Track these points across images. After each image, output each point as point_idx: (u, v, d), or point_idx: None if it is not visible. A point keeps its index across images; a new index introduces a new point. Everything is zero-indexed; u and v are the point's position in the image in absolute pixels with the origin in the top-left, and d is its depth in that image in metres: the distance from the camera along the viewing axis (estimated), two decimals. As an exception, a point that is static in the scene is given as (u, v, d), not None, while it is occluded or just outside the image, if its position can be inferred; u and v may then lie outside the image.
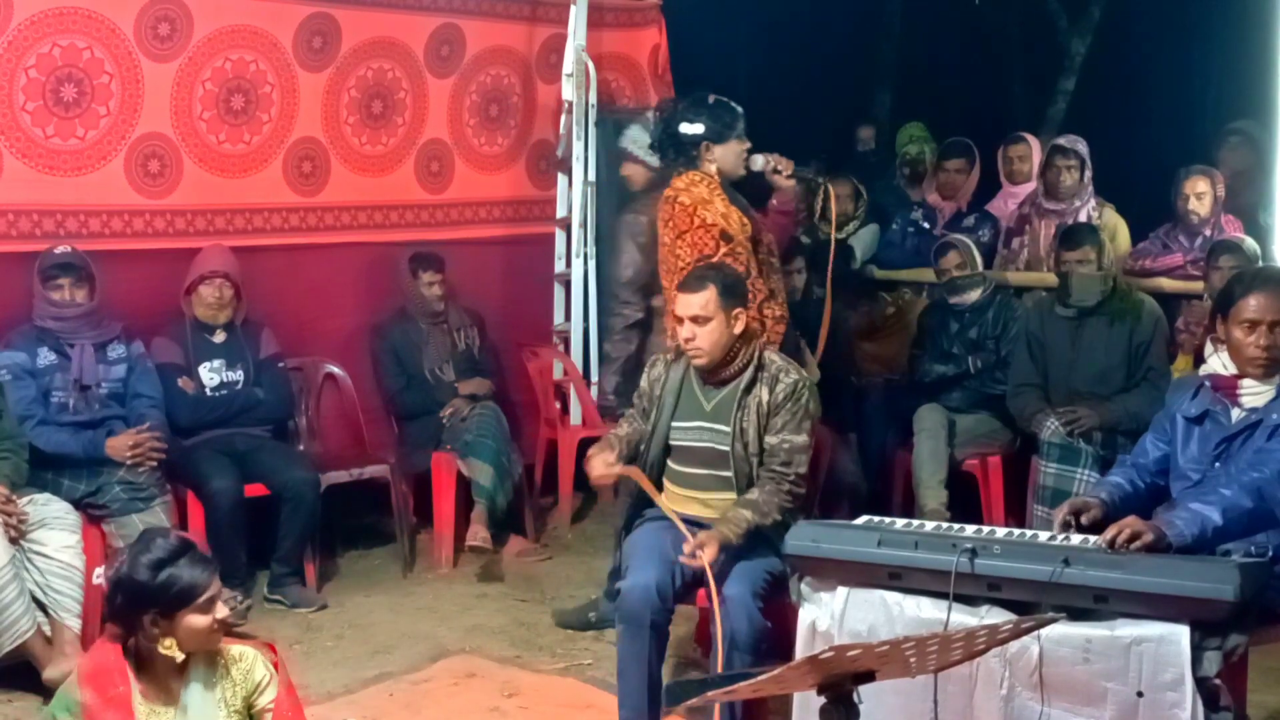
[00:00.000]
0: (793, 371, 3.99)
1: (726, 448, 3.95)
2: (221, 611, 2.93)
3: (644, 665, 3.78)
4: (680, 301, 3.98)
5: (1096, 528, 3.42)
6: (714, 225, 4.42)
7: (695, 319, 3.93)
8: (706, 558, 3.69)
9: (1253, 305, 3.47)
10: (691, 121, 4.57)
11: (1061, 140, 6.27)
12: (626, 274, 5.35)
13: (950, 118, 7.81)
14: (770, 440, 3.92)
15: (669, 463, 4.08)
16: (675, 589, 3.81)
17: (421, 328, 6.07)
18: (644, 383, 4.18)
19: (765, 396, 3.93)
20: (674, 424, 4.04)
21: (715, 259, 4.33)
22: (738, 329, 3.96)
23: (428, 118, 6.36)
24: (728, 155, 4.59)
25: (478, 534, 5.50)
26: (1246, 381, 3.51)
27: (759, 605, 3.72)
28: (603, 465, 3.98)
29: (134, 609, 2.87)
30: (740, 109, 4.65)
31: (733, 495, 3.95)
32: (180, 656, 2.90)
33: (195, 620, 2.88)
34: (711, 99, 4.64)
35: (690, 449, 4.03)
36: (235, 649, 3.02)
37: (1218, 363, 3.61)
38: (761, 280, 4.53)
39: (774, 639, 3.78)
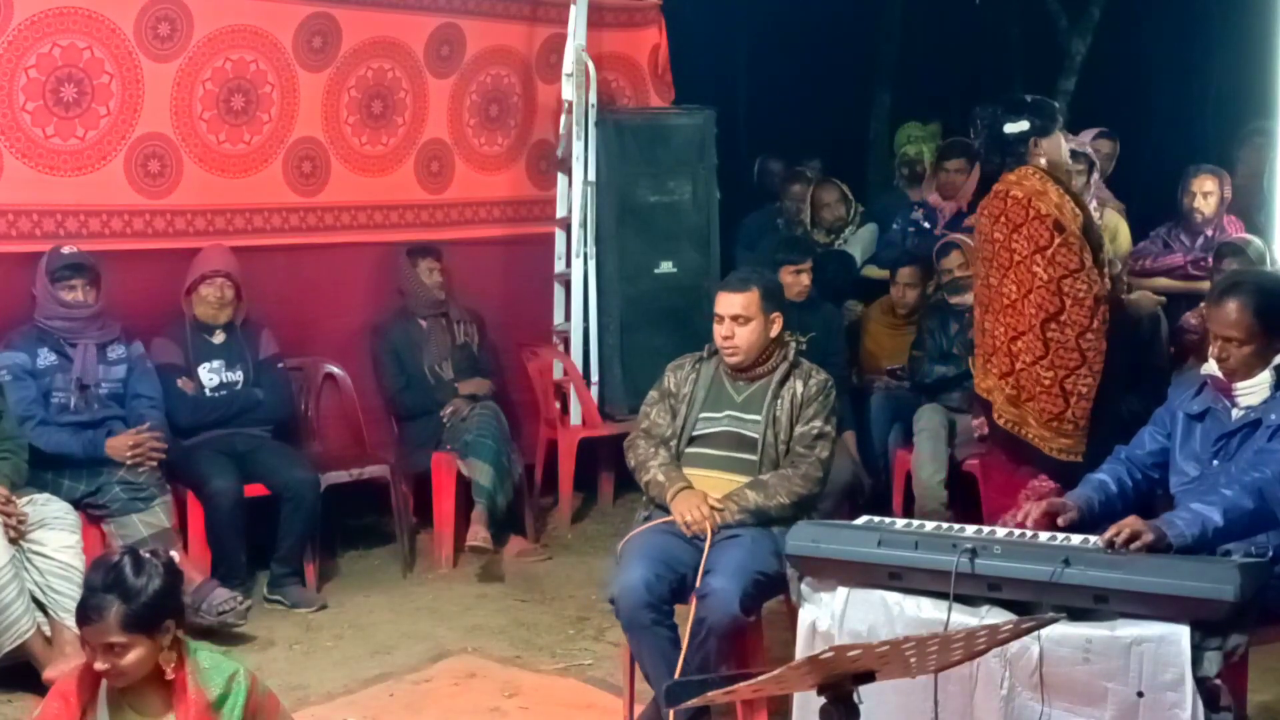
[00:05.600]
0: (822, 371, 4.14)
1: (752, 434, 4.02)
2: (101, 664, 2.83)
3: (663, 662, 3.76)
4: (723, 300, 4.08)
5: (1073, 529, 3.45)
6: (1047, 216, 4.40)
7: (736, 318, 4.04)
8: (697, 528, 3.82)
9: (1213, 316, 3.55)
10: (1015, 120, 4.56)
11: (1071, 144, 6.25)
12: None
13: (951, 118, 7.81)
14: (799, 429, 4.02)
15: (687, 449, 4.10)
16: (670, 585, 3.81)
17: (422, 325, 6.06)
18: (669, 383, 4.20)
19: (799, 389, 4.05)
20: (702, 415, 4.10)
21: (1049, 252, 4.35)
22: (773, 332, 4.09)
23: (428, 118, 6.36)
24: (1054, 147, 4.58)
25: (478, 534, 5.50)
26: (1238, 383, 3.53)
27: (742, 603, 3.70)
28: (702, 513, 3.89)
29: None
30: (1056, 102, 4.65)
31: (748, 478, 3.99)
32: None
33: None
34: (1028, 97, 4.67)
35: (714, 433, 4.08)
36: (223, 661, 2.99)
37: (1214, 363, 3.62)
38: (1097, 271, 4.47)
39: (752, 643, 3.80)
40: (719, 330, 4.08)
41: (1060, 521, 3.49)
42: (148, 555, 2.94)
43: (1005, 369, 4.53)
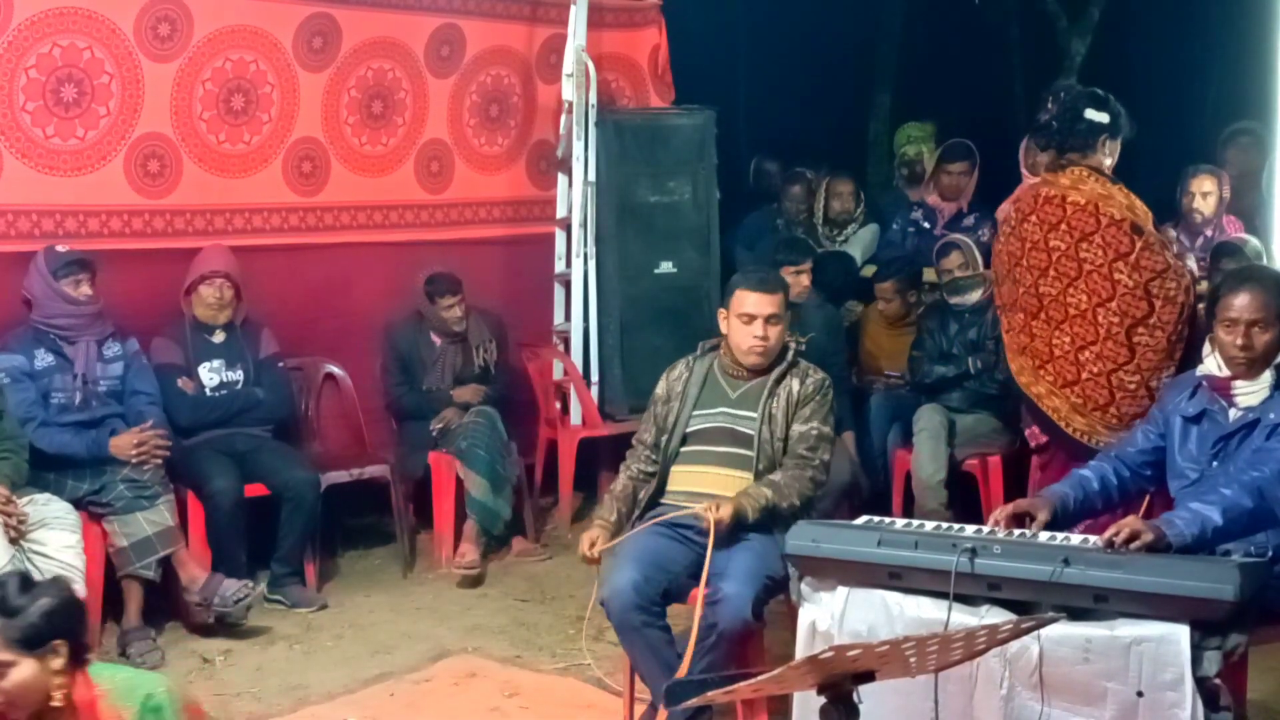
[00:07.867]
0: (820, 371, 4.14)
1: (746, 430, 4.02)
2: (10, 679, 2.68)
3: (656, 659, 3.79)
4: (755, 300, 4.04)
5: (1045, 526, 3.44)
6: (1123, 220, 4.29)
7: (769, 318, 4.03)
8: (720, 515, 3.78)
9: (1232, 304, 3.51)
10: (1099, 109, 4.45)
11: None
12: None
13: (951, 118, 7.81)
14: (798, 428, 4.01)
15: (682, 447, 4.10)
16: (662, 587, 3.82)
17: (435, 342, 6.00)
18: (661, 387, 4.20)
19: (796, 387, 4.05)
20: (695, 412, 4.10)
21: (1133, 257, 4.26)
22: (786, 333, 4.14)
23: (428, 118, 6.36)
24: (1114, 153, 4.49)
25: (465, 553, 5.48)
26: (1239, 382, 3.52)
27: (754, 608, 3.72)
28: (588, 546, 3.96)
29: None
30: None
31: (745, 474, 3.99)
32: None
33: None
34: (1111, 96, 4.55)
35: (708, 429, 4.08)
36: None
37: (1213, 363, 3.61)
38: (1182, 264, 4.38)
39: (755, 644, 3.81)
40: (750, 330, 4.03)
41: (1031, 524, 3.45)
42: (43, 580, 2.85)
43: (1069, 378, 4.41)
